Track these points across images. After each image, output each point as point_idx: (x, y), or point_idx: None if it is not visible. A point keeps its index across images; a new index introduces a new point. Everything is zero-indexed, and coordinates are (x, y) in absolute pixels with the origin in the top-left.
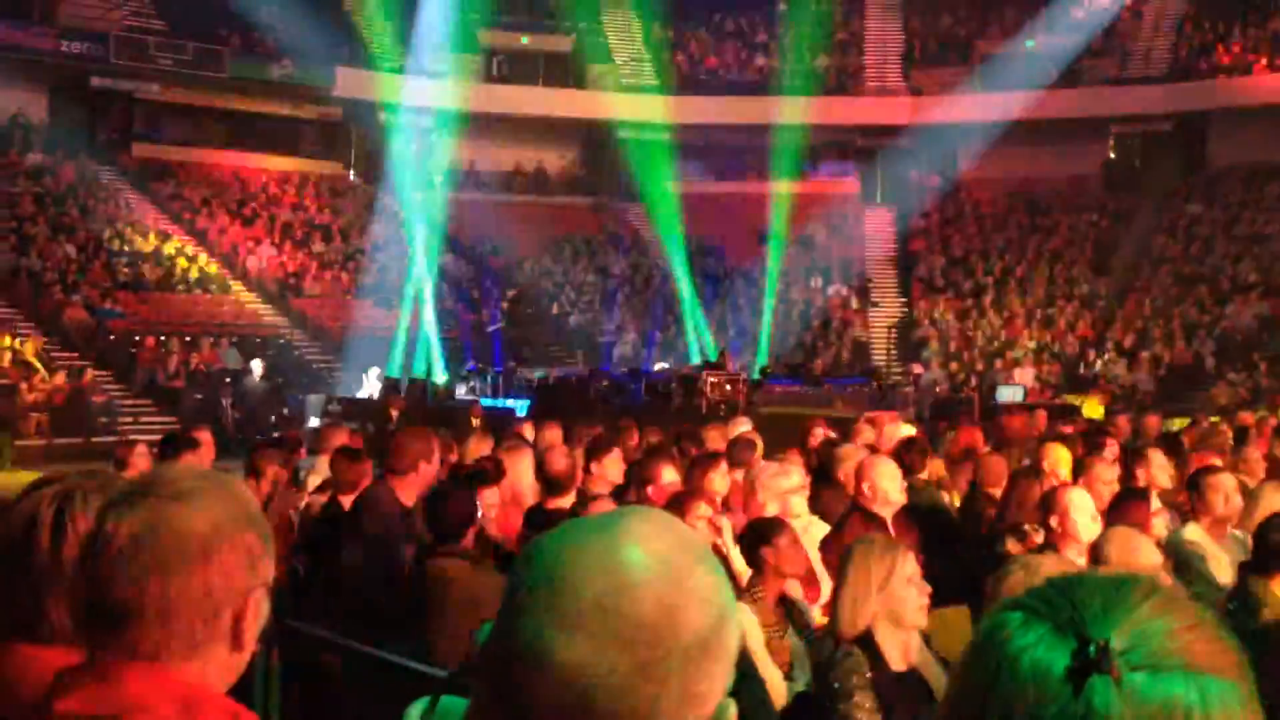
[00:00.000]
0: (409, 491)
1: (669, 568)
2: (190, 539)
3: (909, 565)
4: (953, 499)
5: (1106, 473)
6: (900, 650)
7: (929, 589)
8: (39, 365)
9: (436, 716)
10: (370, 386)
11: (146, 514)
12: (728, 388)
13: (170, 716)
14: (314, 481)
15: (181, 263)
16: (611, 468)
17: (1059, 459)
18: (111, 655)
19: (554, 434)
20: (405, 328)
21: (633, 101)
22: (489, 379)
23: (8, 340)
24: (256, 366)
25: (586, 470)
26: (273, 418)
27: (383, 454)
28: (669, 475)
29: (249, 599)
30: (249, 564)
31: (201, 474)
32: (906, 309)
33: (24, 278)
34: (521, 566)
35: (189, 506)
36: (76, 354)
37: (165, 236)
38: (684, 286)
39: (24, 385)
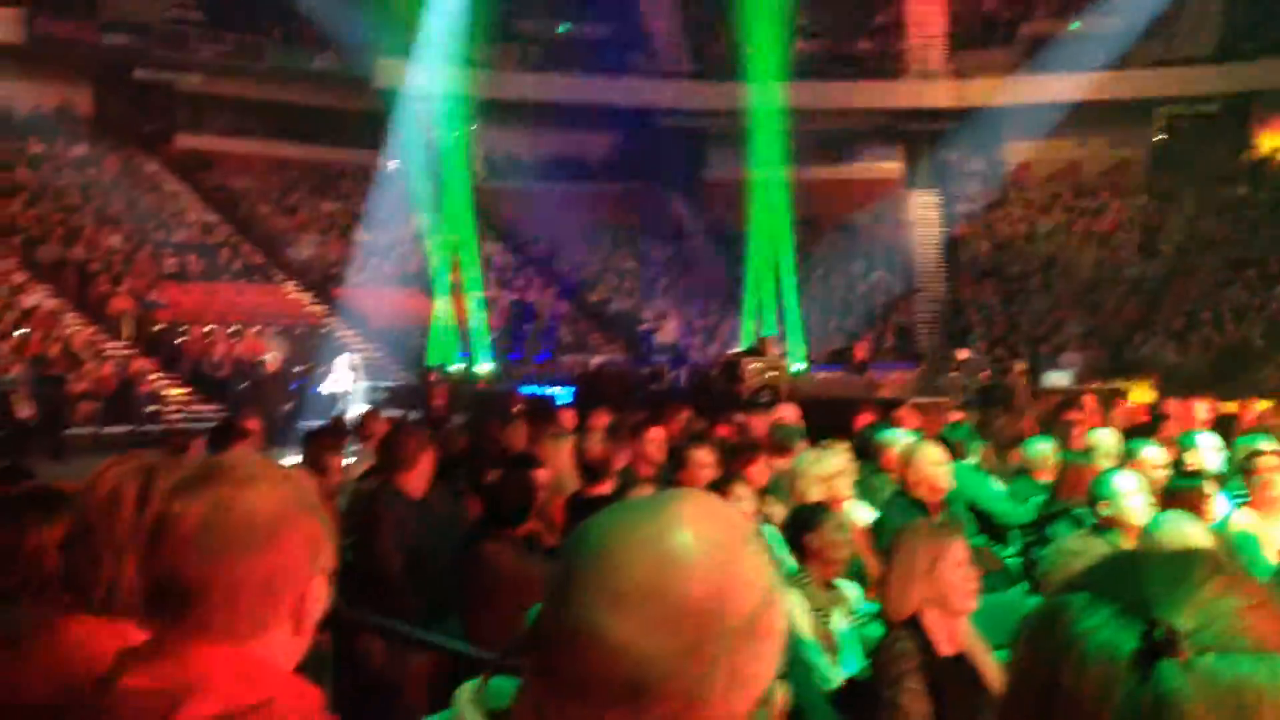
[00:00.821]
0: (415, 485)
1: (717, 549)
2: (255, 523)
3: (958, 550)
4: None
5: (1157, 456)
6: (949, 635)
7: (978, 573)
8: (87, 355)
9: (487, 697)
10: (340, 378)
11: (214, 497)
12: (770, 374)
13: (234, 692)
14: (358, 469)
15: (225, 254)
16: (652, 447)
17: (1108, 443)
18: (177, 633)
19: (599, 420)
20: (447, 316)
21: (672, 88)
22: (530, 367)
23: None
24: (271, 357)
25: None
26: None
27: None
28: (707, 460)
29: (311, 583)
30: (311, 549)
31: (265, 461)
32: (952, 294)
33: (71, 269)
34: (570, 548)
35: (254, 491)
36: (124, 344)
37: (209, 228)
38: (725, 273)
39: (73, 375)
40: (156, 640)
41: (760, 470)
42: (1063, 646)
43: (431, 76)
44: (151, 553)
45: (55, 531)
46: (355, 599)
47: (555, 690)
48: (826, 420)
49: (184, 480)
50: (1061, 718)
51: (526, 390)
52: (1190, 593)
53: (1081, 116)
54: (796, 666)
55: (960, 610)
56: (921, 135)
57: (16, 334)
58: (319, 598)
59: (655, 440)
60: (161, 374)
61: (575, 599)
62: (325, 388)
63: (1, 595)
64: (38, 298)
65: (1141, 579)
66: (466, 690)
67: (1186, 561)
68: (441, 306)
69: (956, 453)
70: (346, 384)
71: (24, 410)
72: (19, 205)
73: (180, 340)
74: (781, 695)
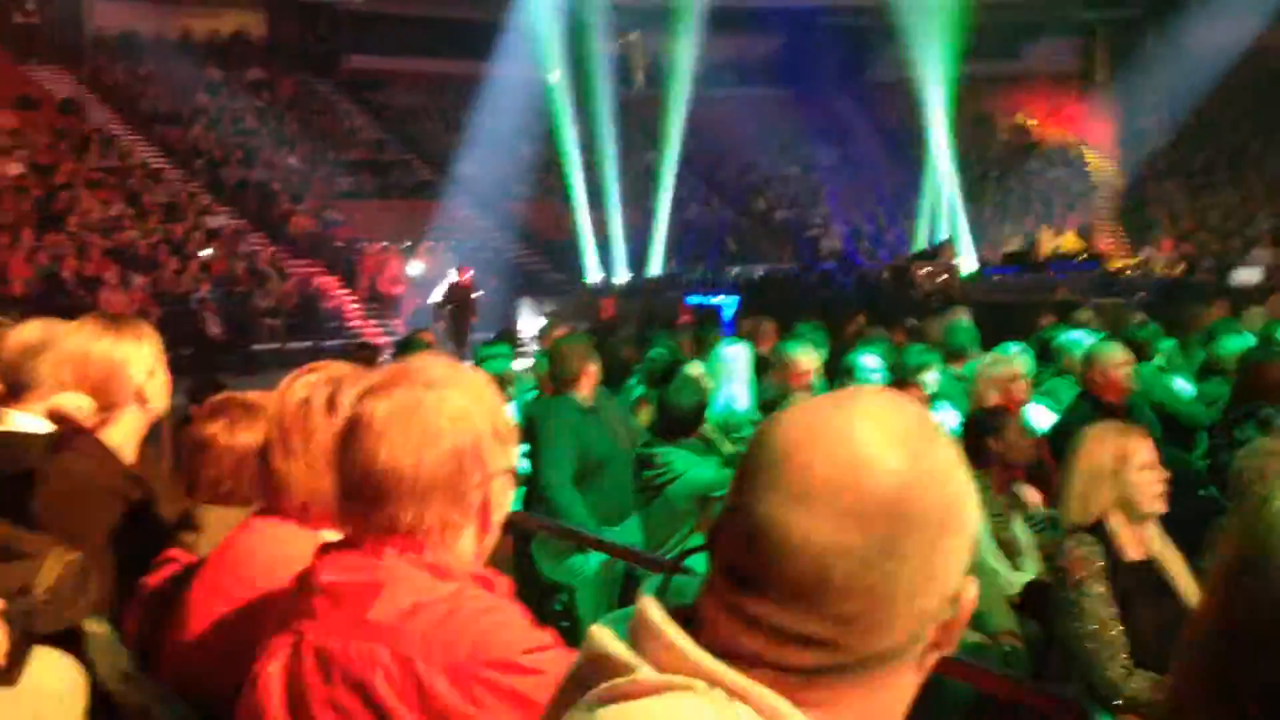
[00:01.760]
0: (583, 394)
1: (905, 444)
2: (442, 423)
3: (1144, 451)
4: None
5: None
6: (1135, 539)
7: (1165, 475)
8: (271, 272)
9: (669, 595)
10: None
11: (402, 399)
12: (942, 278)
13: (426, 585)
14: (529, 380)
15: (397, 171)
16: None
17: None
18: (371, 530)
19: (768, 326)
20: (617, 227)
21: None
22: (698, 276)
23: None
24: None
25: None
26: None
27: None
28: (870, 365)
29: (495, 482)
30: (495, 449)
31: (450, 364)
32: (1132, 190)
33: (252, 190)
34: (754, 445)
35: (440, 393)
36: (305, 261)
37: (380, 146)
38: (894, 177)
39: (258, 292)
40: (352, 537)
41: (930, 375)
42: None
43: None
44: (344, 454)
45: (251, 439)
46: (530, 506)
47: (740, 588)
48: (1003, 323)
49: (373, 384)
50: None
51: (693, 300)
52: None
53: None
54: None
55: (1147, 513)
56: (1103, 25)
57: (203, 254)
58: (504, 498)
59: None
60: (340, 290)
61: (760, 497)
62: (435, 297)
63: (207, 500)
64: (221, 219)
65: None
66: (649, 587)
67: None
68: (610, 218)
69: (1141, 353)
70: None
71: (213, 328)
72: (200, 130)
73: (356, 256)
74: (973, 591)
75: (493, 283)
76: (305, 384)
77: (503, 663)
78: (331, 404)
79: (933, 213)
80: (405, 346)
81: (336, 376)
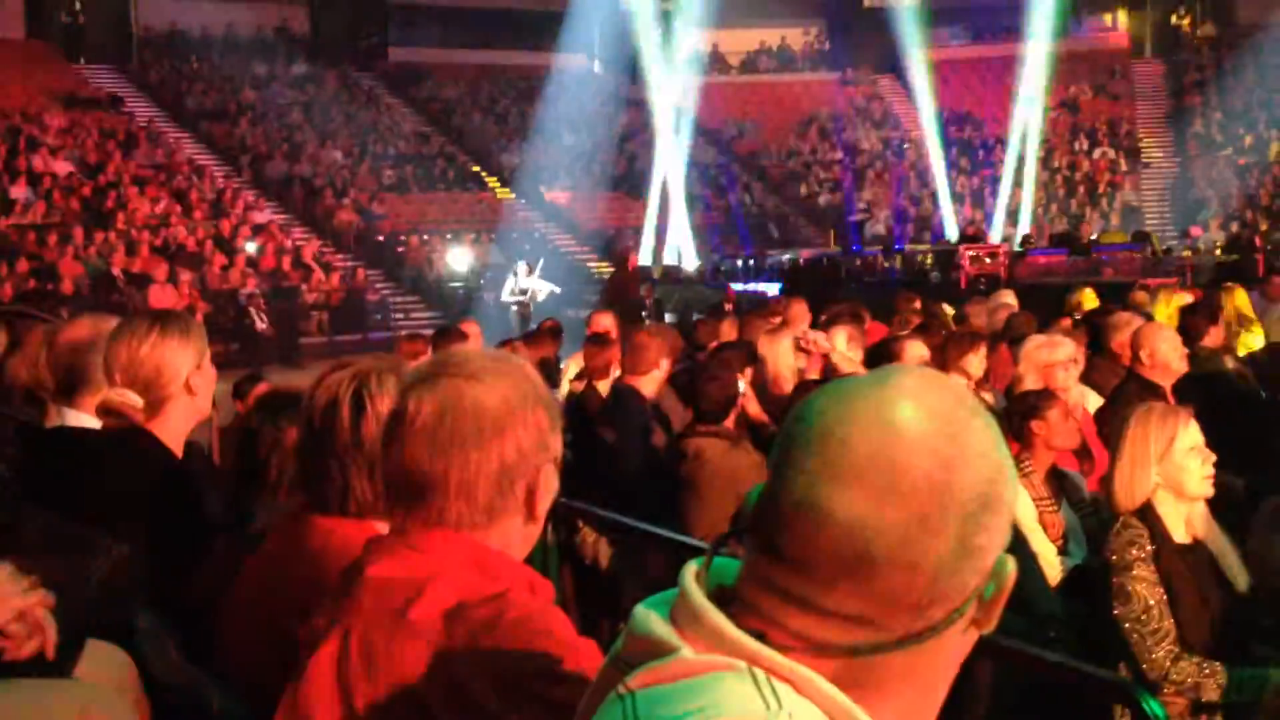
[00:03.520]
0: (650, 388)
1: (944, 421)
2: (486, 415)
3: (1191, 433)
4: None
5: None
6: (1183, 522)
7: (1213, 457)
8: (316, 267)
9: (711, 575)
10: (520, 283)
11: (445, 392)
12: (988, 260)
13: (472, 580)
14: (574, 369)
15: (440, 163)
16: (839, 340)
17: None
18: (417, 524)
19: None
20: (654, 215)
21: None
22: (740, 263)
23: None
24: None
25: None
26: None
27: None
28: (917, 351)
29: (540, 472)
30: (540, 439)
31: (493, 355)
32: (1181, 168)
33: (296, 184)
34: (793, 423)
35: (483, 384)
36: (349, 255)
37: (425, 138)
38: (939, 159)
39: (304, 286)
40: (398, 531)
41: (978, 359)
42: None
43: None
44: (387, 449)
45: (291, 432)
46: (576, 495)
47: (780, 567)
48: (1050, 305)
49: (416, 376)
50: None
51: (736, 286)
52: None
53: None
54: (1021, 555)
55: (1195, 496)
56: (1147, 1)
57: (250, 248)
58: (549, 487)
59: (841, 330)
60: (385, 283)
61: (798, 475)
62: (505, 294)
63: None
64: (267, 214)
65: None
66: (691, 568)
67: None
68: (648, 206)
69: (1192, 334)
70: (528, 287)
71: (260, 322)
72: (246, 125)
73: (401, 249)
74: (1012, 568)
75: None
76: (332, 381)
77: (544, 672)
78: (358, 401)
79: (977, 195)
80: (444, 337)
81: (364, 371)
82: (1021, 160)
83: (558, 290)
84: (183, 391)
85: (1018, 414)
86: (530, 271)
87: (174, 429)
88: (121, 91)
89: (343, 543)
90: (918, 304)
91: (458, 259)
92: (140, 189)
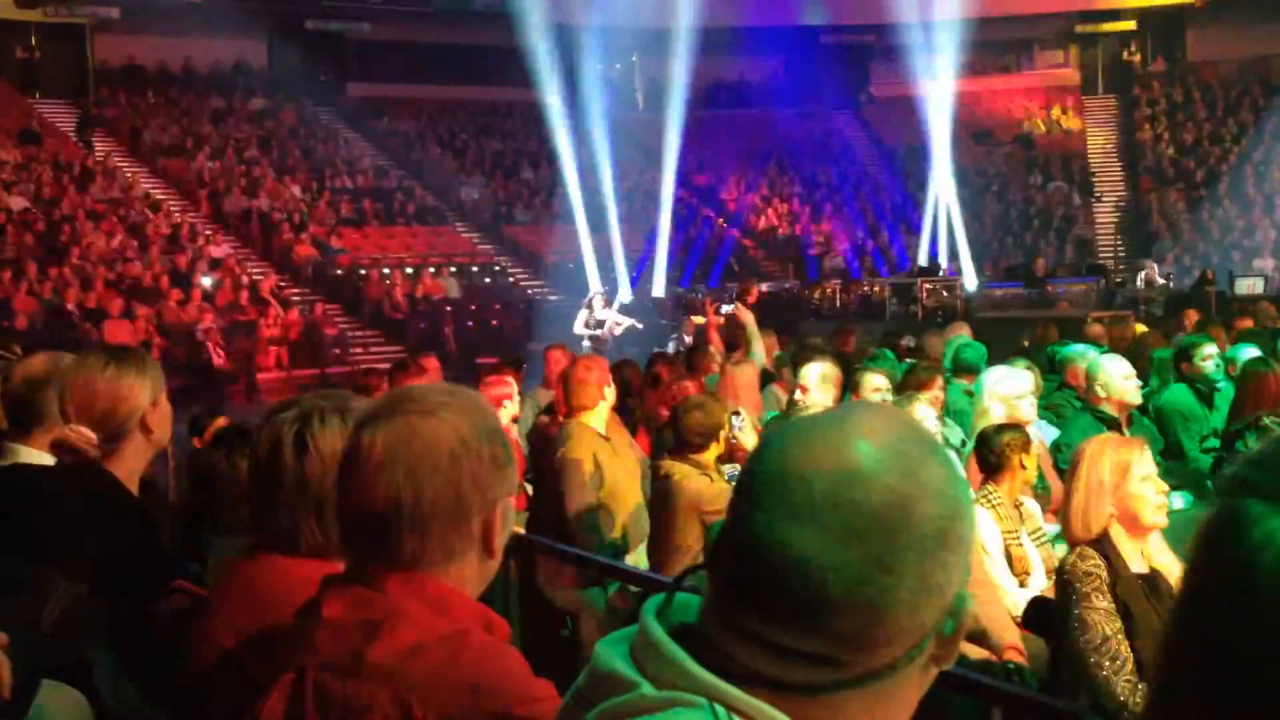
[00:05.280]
0: (596, 421)
1: (900, 459)
2: (441, 450)
3: (1145, 464)
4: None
5: None
6: (1138, 551)
7: (1166, 488)
8: (274, 301)
9: (670, 611)
10: (597, 314)
11: (399, 429)
12: (945, 294)
13: (427, 620)
14: (544, 399)
15: (399, 198)
16: (812, 376)
17: None
18: (372, 564)
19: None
20: (615, 249)
21: (832, 2)
22: (700, 295)
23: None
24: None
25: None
26: None
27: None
28: (876, 383)
29: (496, 508)
30: (495, 474)
31: (447, 390)
32: (1134, 202)
33: (255, 219)
34: (752, 461)
35: (437, 420)
36: (307, 289)
37: (384, 173)
38: (894, 192)
39: (262, 321)
40: (353, 570)
41: (936, 392)
42: (1240, 555)
43: (584, 10)
44: (342, 486)
45: (243, 468)
46: (537, 529)
47: (740, 604)
48: (1005, 338)
49: (370, 412)
50: (1245, 625)
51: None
52: None
53: (1267, 5)
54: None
55: (1149, 526)
56: (1098, 37)
57: (207, 283)
58: (506, 521)
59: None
60: (343, 316)
61: (757, 513)
62: (578, 327)
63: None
64: (225, 248)
65: None
66: (650, 605)
67: None
68: (610, 240)
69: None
70: (605, 319)
71: (217, 357)
72: (203, 160)
73: (360, 284)
74: (970, 605)
75: (496, 307)
76: (276, 421)
77: (501, 713)
78: (300, 441)
79: (934, 227)
80: (401, 371)
81: (307, 411)
82: (975, 192)
83: (639, 326)
84: (138, 428)
85: (981, 446)
86: (607, 304)
87: (129, 465)
88: (77, 127)
89: (298, 582)
90: (850, 339)
91: (419, 292)
92: (95, 223)
